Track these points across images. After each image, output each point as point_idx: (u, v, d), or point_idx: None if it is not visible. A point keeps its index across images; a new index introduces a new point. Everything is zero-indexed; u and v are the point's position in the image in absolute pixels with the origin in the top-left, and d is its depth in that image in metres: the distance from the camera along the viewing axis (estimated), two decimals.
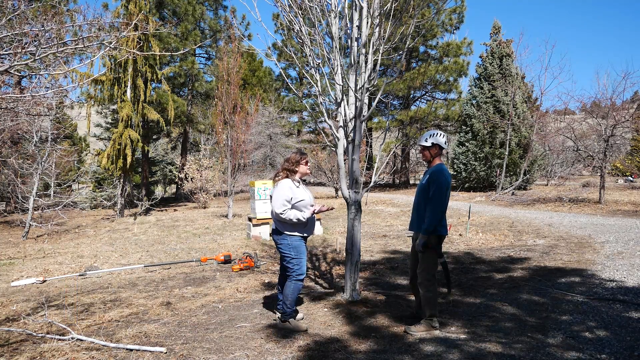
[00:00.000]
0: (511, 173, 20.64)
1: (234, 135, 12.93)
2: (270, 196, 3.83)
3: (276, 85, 31.33)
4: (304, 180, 3.92)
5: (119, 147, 14.41)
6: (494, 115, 20.49)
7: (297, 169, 3.81)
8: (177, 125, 23.76)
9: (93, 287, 5.56)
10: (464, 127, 22.75)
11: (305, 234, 3.81)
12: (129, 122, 14.69)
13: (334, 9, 4.55)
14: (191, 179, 17.17)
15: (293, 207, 3.72)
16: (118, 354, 3.33)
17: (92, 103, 15.51)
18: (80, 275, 6.24)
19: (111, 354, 3.33)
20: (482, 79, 22.17)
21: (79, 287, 5.60)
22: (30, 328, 3.96)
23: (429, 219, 3.50)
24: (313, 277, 5.85)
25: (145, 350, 3.34)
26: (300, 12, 4.50)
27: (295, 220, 3.63)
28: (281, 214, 3.63)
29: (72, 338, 3.61)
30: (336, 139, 4.65)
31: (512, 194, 17.76)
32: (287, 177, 3.80)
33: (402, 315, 4.05)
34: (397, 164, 29.60)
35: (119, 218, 14.51)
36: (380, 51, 4.36)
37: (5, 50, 3.76)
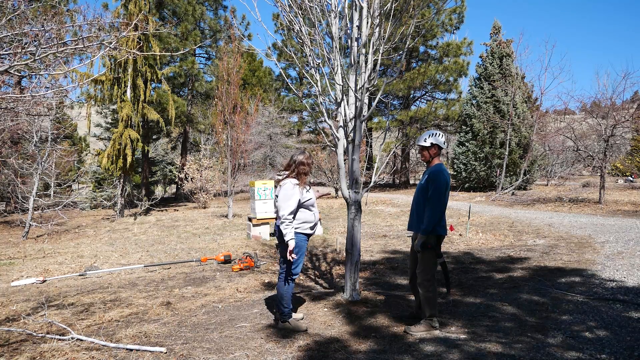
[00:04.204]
0: (511, 173, 20.65)
1: (234, 135, 12.93)
2: (277, 195, 3.78)
3: (276, 85, 31.34)
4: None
5: (119, 147, 14.40)
6: (494, 115, 20.49)
7: (298, 177, 3.78)
8: (177, 125, 23.75)
9: (93, 287, 5.56)
10: (464, 127, 22.76)
11: (310, 233, 3.81)
12: (129, 122, 14.69)
13: (334, 9, 4.54)
14: (191, 179, 17.17)
15: (302, 206, 3.72)
16: (118, 354, 3.33)
17: (92, 103, 15.49)
18: (80, 275, 6.24)
19: (111, 354, 3.33)
20: (482, 79, 22.19)
21: (79, 287, 5.60)
22: (30, 328, 3.96)
23: (427, 219, 3.50)
24: (313, 277, 5.85)
25: (145, 350, 3.34)
26: (300, 12, 4.50)
27: (286, 232, 3.59)
28: (281, 222, 3.62)
29: (72, 338, 3.61)
30: (336, 139, 4.65)
31: (512, 194, 17.76)
32: (289, 177, 3.78)
33: (402, 315, 4.05)
34: (397, 164, 29.60)
35: (119, 218, 14.50)
36: (380, 51, 4.36)
37: (5, 50, 3.76)
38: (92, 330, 3.91)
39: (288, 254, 3.60)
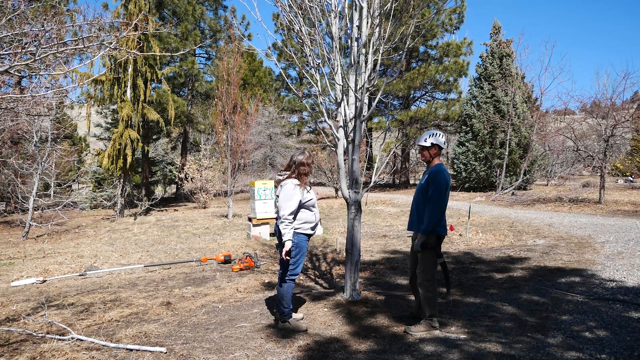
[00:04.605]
0: (511, 173, 20.65)
1: (234, 135, 12.93)
2: (277, 196, 3.79)
3: (276, 85, 31.34)
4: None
5: (119, 147, 14.40)
6: (494, 115, 20.49)
7: (299, 177, 3.78)
8: (177, 125, 23.75)
9: (93, 287, 5.56)
10: (464, 127, 22.76)
11: (310, 233, 3.82)
12: (129, 122, 14.69)
13: (334, 9, 4.54)
14: (191, 179, 17.17)
15: (303, 206, 3.72)
16: (118, 354, 3.33)
17: (92, 103, 15.49)
18: (80, 275, 6.24)
19: (111, 354, 3.33)
20: (482, 79, 22.18)
21: (79, 287, 5.60)
22: (30, 328, 3.96)
23: (427, 219, 3.50)
24: (313, 277, 5.85)
25: (145, 350, 3.34)
26: (300, 12, 4.50)
27: (284, 232, 3.60)
28: (281, 222, 3.62)
29: (72, 338, 3.61)
30: (336, 139, 4.65)
31: (512, 194, 17.76)
32: (290, 178, 3.77)
33: (402, 315, 4.05)
34: (397, 164, 29.60)
35: (119, 218, 14.50)
36: (380, 51, 4.36)
37: (5, 50, 3.76)
38: (92, 330, 3.91)
39: (283, 254, 3.60)
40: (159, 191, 28.32)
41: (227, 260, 6.80)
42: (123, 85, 14.76)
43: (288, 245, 3.58)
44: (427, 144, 3.67)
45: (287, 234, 3.59)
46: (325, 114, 4.66)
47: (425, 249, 3.55)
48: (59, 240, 10.34)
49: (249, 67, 29.21)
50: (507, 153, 19.05)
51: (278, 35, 26.68)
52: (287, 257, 3.63)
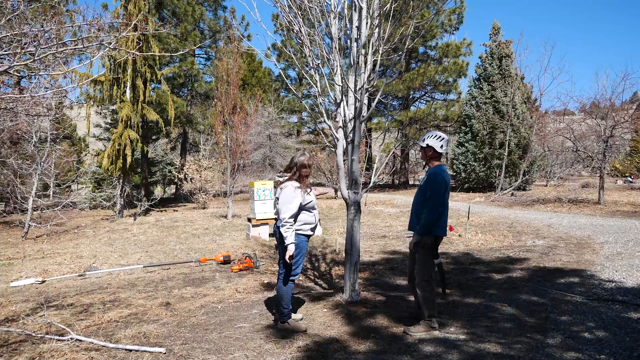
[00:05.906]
0: (510, 174, 20.66)
1: (234, 135, 12.93)
2: (277, 198, 3.78)
3: (275, 86, 31.34)
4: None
5: (118, 147, 14.40)
6: (494, 115, 20.50)
7: (300, 179, 3.77)
8: (177, 125, 23.74)
9: (92, 288, 5.56)
10: (463, 128, 22.77)
11: (310, 234, 3.82)
12: (129, 122, 14.68)
13: (333, 9, 4.55)
14: (190, 179, 17.16)
15: (303, 208, 3.71)
16: (117, 354, 3.33)
17: (92, 103, 15.49)
18: (79, 276, 6.24)
19: (110, 354, 3.33)
20: (482, 80, 22.19)
21: (78, 288, 5.60)
22: (30, 328, 3.95)
23: (425, 219, 3.50)
24: (312, 277, 5.85)
25: (145, 351, 3.34)
26: (299, 12, 4.50)
27: (286, 235, 3.59)
28: (282, 225, 3.61)
29: (72, 338, 3.61)
30: (335, 140, 4.65)
31: (512, 194, 17.77)
32: (291, 180, 3.76)
33: (401, 315, 4.05)
34: (397, 165, 29.61)
35: (119, 218, 14.49)
36: (380, 52, 4.36)
37: (5, 51, 3.76)
38: (92, 330, 3.91)
39: (287, 257, 3.59)
40: (158, 191, 28.29)
41: (227, 261, 6.80)
42: (122, 85, 14.75)
43: (291, 249, 3.57)
44: (424, 144, 3.69)
45: (290, 237, 3.58)
46: (324, 115, 4.66)
47: (419, 248, 3.56)
48: (58, 241, 10.33)
49: (249, 67, 29.21)
50: (506, 154, 19.07)
51: (277, 35, 26.69)
52: (290, 260, 3.62)
